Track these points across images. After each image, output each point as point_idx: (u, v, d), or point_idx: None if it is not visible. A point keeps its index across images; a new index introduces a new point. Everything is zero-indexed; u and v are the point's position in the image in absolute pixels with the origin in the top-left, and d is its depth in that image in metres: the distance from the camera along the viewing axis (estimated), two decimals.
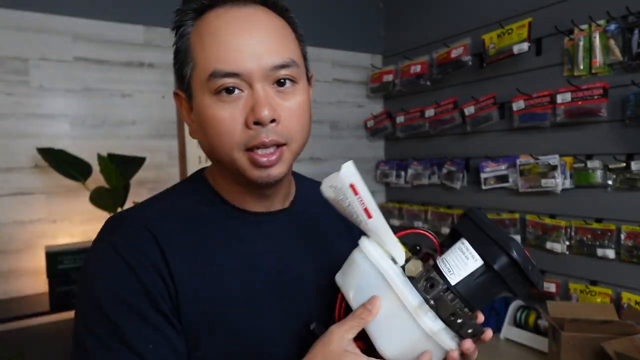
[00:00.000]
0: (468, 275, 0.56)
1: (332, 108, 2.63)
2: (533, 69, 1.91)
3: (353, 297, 0.60)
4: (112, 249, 0.60)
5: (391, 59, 2.68)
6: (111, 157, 1.77)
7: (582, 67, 1.72)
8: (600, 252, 1.69)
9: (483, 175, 2.10)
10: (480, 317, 0.60)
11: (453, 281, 0.56)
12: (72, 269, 1.73)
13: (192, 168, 2.14)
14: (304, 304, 0.69)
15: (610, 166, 1.66)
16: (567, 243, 1.80)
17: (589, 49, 1.69)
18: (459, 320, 0.55)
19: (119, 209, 1.71)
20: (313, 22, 2.52)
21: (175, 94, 0.69)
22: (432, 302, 0.55)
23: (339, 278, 0.63)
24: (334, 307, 0.70)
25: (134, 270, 0.59)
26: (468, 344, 0.56)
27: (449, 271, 0.57)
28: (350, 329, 0.57)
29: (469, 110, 2.13)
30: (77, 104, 1.94)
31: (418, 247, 0.61)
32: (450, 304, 0.55)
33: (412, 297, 0.55)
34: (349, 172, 0.56)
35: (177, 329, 0.60)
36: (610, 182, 1.67)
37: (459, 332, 0.56)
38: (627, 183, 1.62)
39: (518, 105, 1.91)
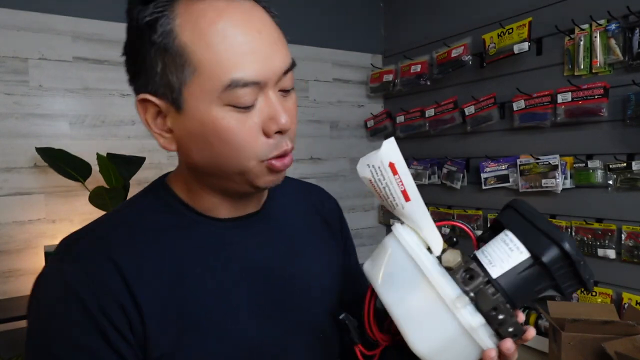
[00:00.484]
0: (511, 269, 0.51)
1: (332, 108, 2.63)
2: (533, 69, 1.91)
3: (381, 286, 0.55)
4: (61, 279, 0.54)
5: (391, 58, 2.67)
6: (111, 157, 1.77)
7: (582, 66, 1.71)
8: (600, 252, 1.69)
9: (483, 175, 2.10)
10: (521, 316, 0.55)
11: (494, 274, 0.51)
12: None
13: None
14: (285, 309, 0.65)
15: (610, 166, 1.66)
16: None
17: (590, 49, 1.68)
18: (501, 317, 0.50)
19: None
20: (313, 22, 2.51)
21: (142, 101, 0.57)
22: (471, 294, 0.50)
23: (367, 267, 0.58)
24: (320, 308, 0.68)
25: (85, 304, 0.52)
26: (508, 343, 0.51)
27: (490, 263, 0.52)
28: None
29: (469, 110, 2.13)
30: (76, 103, 1.94)
31: (455, 239, 0.56)
32: (492, 297, 0.50)
33: (449, 288, 0.50)
34: (389, 150, 0.52)
35: None
36: (610, 182, 1.67)
37: (498, 330, 0.51)
38: (627, 183, 1.62)
39: (518, 105, 1.91)
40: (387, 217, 2.70)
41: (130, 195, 1.78)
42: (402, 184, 0.52)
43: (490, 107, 2.05)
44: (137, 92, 0.58)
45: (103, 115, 2.00)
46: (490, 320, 0.50)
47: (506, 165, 2.02)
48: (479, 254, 0.54)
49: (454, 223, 0.61)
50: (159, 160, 2.11)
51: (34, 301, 0.55)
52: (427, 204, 2.51)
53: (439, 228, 0.56)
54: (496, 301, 0.50)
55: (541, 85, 1.85)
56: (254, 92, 0.54)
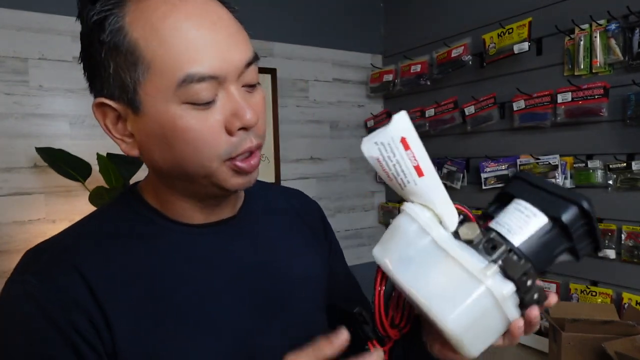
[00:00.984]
0: (532, 235, 0.50)
1: (332, 108, 2.63)
2: (533, 69, 1.91)
3: (395, 268, 0.52)
4: (23, 292, 0.51)
5: (391, 58, 2.67)
6: (111, 157, 1.77)
7: (582, 66, 1.71)
8: (600, 252, 1.69)
9: (483, 175, 2.10)
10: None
11: (516, 242, 0.50)
12: None
13: None
14: (267, 314, 0.62)
15: (610, 166, 1.66)
16: None
17: (590, 49, 1.68)
18: (529, 283, 0.48)
19: None
20: (313, 22, 2.51)
21: (100, 105, 0.55)
22: (499, 262, 0.48)
23: (377, 252, 0.55)
24: (304, 309, 0.65)
25: (50, 317, 0.50)
26: (535, 311, 0.49)
27: (509, 232, 0.50)
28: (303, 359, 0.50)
29: (469, 110, 2.13)
30: (76, 103, 1.94)
31: (462, 216, 0.53)
32: (520, 263, 0.48)
33: (475, 259, 0.48)
34: (401, 124, 0.48)
35: None
36: (610, 182, 1.67)
37: (524, 299, 0.49)
38: (627, 183, 1.62)
39: (518, 105, 1.91)
40: (387, 217, 2.70)
41: None
42: (415, 159, 0.49)
43: (490, 107, 2.05)
44: (95, 98, 0.56)
45: None
46: (520, 286, 0.48)
47: (506, 165, 2.02)
48: (494, 225, 0.52)
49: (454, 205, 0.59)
50: None
51: None
52: None
53: None
54: (525, 267, 0.48)
55: (541, 85, 1.85)
56: (213, 87, 0.51)
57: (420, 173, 0.49)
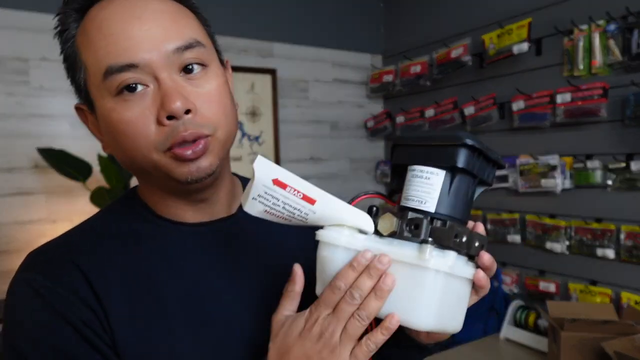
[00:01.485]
0: (440, 194, 0.50)
1: (332, 108, 2.63)
2: (533, 69, 1.92)
3: None
4: (30, 289, 0.53)
5: (391, 59, 2.68)
6: (111, 157, 1.77)
7: (581, 67, 1.72)
8: (599, 252, 1.69)
9: None
10: (480, 227, 0.53)
11: (431, 209, 0.49)
12: None
13: None
14: (266, 315, 0.59)
15: (610, 166, 1.66)
16: (567, 243, 1.80)
17: (589, 49, 1.69)
18: (464, 239, 0.48)
19: None
20: (313, 22, 2.52)
21: (78, 109, 0.60)
22: (429, 239, 0.47)
23: (319, 290, 0.53)
24: None
25: (56, 309, 0.52)
26: (485, 255, 0.50)
27: (421, 202, 0.50)
28: (283, 308, 0.53)
29: (469, 110, 2.13)
30: None
31: (375, 207, 0.53)
32: (446, 229, 0.48)
33: (406, 249, 0.48)
34: (264, 170, 0.48)
35: None
36: (609, 182, 1.67)
37: (469, 253, 0.50)
38: (626, 183, 1.63)
39: (518, 105, 1.91)
40: None
41: None
42: (298, 191, 0.48)
43: (489, 107, 2.05)
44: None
45: None
46: (458, 247, 0.48)
47: (506, 166, 2.02)
48: (404, 202, 0.52)
49: (363, 197, 0.57)
50: None
51: (5, 313, 0.55)
52: None
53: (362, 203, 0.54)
54: (452, 229, 0.48)
55: (541, 86, 1.85)
56: (137, 76, 0.52)
57: (310, 201, 0.49)
